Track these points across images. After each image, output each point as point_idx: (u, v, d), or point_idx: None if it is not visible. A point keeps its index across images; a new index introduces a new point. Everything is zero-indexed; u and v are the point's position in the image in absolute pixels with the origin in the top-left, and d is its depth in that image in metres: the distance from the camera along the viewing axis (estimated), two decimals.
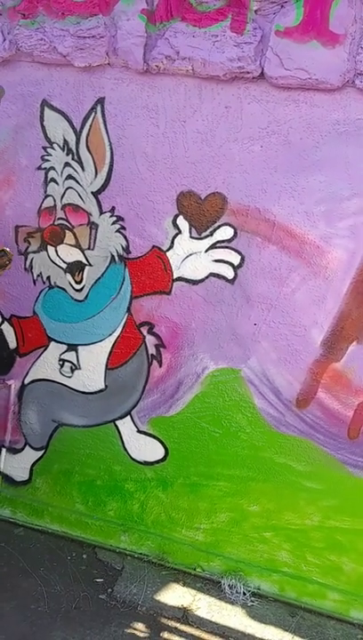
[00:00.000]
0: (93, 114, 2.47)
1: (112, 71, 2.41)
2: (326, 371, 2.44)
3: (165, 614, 2.51)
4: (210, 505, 2.73)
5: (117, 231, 2.57)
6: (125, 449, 2.81)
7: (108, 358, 2.72)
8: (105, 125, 2.47)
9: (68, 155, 2.53)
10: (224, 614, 2.55)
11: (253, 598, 2.65)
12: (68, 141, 2.52)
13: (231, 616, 2.54)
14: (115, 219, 2.56)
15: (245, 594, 2.65)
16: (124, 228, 2.56)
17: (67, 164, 2.54)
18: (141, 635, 2.38)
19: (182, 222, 2.48)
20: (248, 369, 2.55)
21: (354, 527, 2.55)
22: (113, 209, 2.55)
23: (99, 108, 2.45)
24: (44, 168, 2.59)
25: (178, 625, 2.46)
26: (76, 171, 2.54)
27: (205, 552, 2.76)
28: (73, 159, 2.53)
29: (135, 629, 2.41)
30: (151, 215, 2.51)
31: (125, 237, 2.57)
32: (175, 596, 2.62)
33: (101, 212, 2.56)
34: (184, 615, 2.52)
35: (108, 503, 2.89)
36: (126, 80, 2.40)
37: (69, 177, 2.56)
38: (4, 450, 2.99)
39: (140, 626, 2.43)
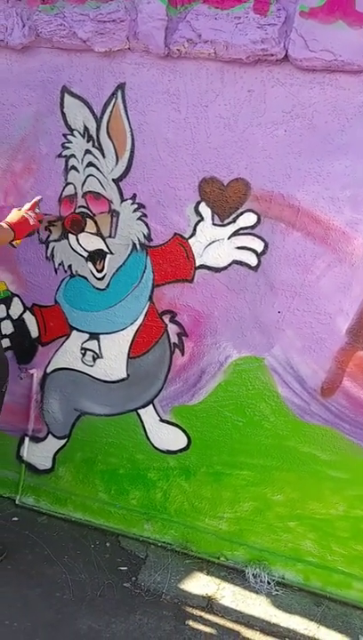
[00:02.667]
0: (114, 100, 2.43)
1: (133, 56, 2.37)
2: (352, 359, 2.40)
3: (190, 603, 2.51)
4: (233, 494, 2.71)
5: (139, 219, 2.55)
6: (148, 438, 2.80)
7: (130, 347, 2.71)
8: (126, 111, 2.43)
9: (88, 142, 2.50)
10: (249, 603, 2.54)
11: (277, 587, 2.64)
12: (88, 128, 2.49)
13: (256, 605, 2.53)
14: (136, 206, 2.53)
15: (269, 583, 2.64)
16: (145, 215, 2.53)
17: (87, 152, 2.52)
18: (166, 623, 2.38)
19: (205, 209, 2.44)
20: (272, 357, 2.52)
21: None
22: (134, 196, 2.52)
23: (119, 94, 2.42)
24: (65, 155, 2.57)
25: (203, 614, 2.46)
26: (96, 158, 2.52)
27: (229, 541, 2.76)
28: (94, 146, 2.50)
29: (160, 618, 2.41)
30: (173, 202, 2.48)
31: (147, 225, 2.54)
32: (199, 584, 2.62)
33: (123, 200, 2.54)
34: (209, 604, 2.52)
35: (131, 492, 2.89)
36: (147, 65, 2.36)
37: (90, 164, 2.53)
38: (27, 439, 3.00)
39: (164, 614, 2.43)
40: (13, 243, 2.41)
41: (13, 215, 2.38)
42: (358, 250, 2.29)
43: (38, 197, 2.52)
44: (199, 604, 2.51)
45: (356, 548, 2.57)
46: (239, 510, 2.72)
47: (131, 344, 2.70)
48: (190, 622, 2.41)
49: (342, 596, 2.60)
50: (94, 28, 2.33)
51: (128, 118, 2.43)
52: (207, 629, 2.38)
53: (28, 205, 2.46)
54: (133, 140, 2.45)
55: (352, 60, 2.08)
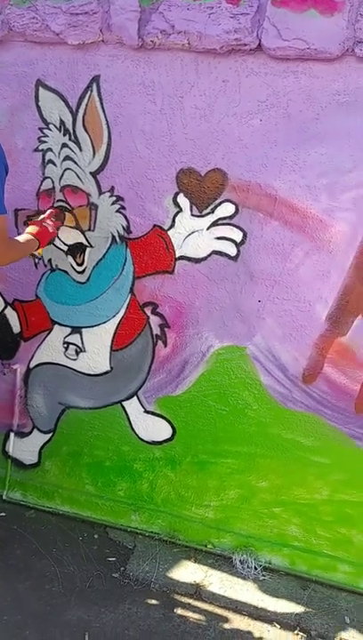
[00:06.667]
0: (89, 92, 2.43)
1: (106, 48, 2.36)
2: (332, 345, 2.43)
3: (178, 591, 2.54)
4: (219, 482, 2.74)
5: (117, 211, 2.55)
6: (133, 429, 2.82)
7: (112, 340, 2.72)
8: (101, 104, 2.43)
9: (65, 135, 2.50)
10: (236, 589, 2.57)
11: (264, 573, 2.67)
12: (64, 122, 2.48)
13: (244, 590, 2.57)
14: (114, 199, 2.53)
15: (256, 568, 2.68)
16: (124, 207, 2.53)
17: (64, 145, 2.51)
18: (155, 611, 2.41)
19: (183, 200, 2.45)
20: (253, 346, 2.54)
21: None
22: (112, 189, 2.52)
23: (94, 87, 2.41)
24: (42, 150, 2.56)
25: (191, 601, 2.49)
26: (73, 151, 2.51)
27: (216, 529, 2.79)
28: (70, 139, 2.50)
29: (149, 606, 2.44)
30: (151, 194, 2.48)
31: (126, 217, 2.55)
32: (187, 572, 2.65)
33: (101, 193, 2.54)
34: (197, 591, 2.55)
35: (118, 483, 2.91)
36: (121, 57, 2.36)
37: (67, 158, 2.52)
38: (12, 434, 3.00)
39: (153, 603, 2.46)
40: (36, 253, 2.43)
41: (33, 226, 2.40)
42: (336, 237, 2.31)
43: (52, 210, 2.54)
44: (188, 592, 2.54)
45: (340, 531, 2.61)
46: (225, 498, 2.75)
47: (113, 337, 2.71)
48: (179, 610, 2.44)
49: (328, 579, 2.65)
50: (67, 20, 2.32)
51: (104, 111, 2.43)
52: (196, 616, 2.41)
53: (43, 216, 2.48)
54: (109, 132, 2.45)
55: (325, 49, 2.09)
